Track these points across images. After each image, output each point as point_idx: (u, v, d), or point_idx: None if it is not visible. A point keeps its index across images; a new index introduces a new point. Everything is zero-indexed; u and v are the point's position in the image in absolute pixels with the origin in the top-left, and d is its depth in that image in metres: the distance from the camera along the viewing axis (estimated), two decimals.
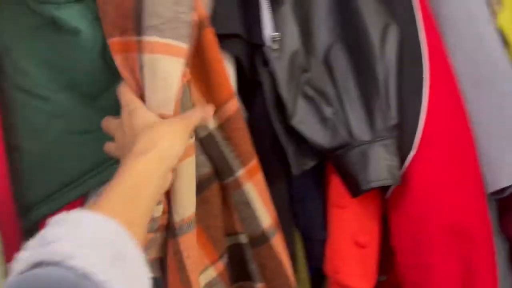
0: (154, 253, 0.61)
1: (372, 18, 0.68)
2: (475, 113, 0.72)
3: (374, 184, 0.65)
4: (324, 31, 0.72)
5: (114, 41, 0.53)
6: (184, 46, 0.54)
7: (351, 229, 0.74)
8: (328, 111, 0.68)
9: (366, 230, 0.74)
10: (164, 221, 0.58)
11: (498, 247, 0.79)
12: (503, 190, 0.75)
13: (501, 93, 0.70)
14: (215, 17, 0.66)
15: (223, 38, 0.65)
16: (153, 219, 0.56)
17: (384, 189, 0.72)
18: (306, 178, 0.76)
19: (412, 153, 0.69)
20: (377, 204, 0.74)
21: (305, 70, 0.70)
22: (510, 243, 0.78)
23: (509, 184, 0.69)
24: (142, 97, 0.54)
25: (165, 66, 0.53)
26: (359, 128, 0.67)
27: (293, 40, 0.69)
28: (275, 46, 0.67)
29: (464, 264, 0.69)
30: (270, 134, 0.69)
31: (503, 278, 0.80)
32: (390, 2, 0.71)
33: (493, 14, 0.90)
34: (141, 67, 0.52)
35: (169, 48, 0.53)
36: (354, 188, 0.67)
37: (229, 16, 0.67)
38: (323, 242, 0.77)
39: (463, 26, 0.72)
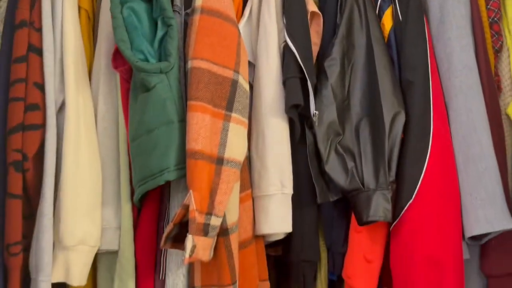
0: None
1: (387, 106, 0.99)
2: (462, 180, 0.98)
3: (371, 219, 0.95)
4: (358, 107, 1.03)
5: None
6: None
7: (363, 248, 1.04)
8: (350, 164, 1.00)
9: (373, 250, 1.04)
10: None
11: (478, 282, 1.04)
12: (481, 237, 1.00)
13: (483, 168, 0.96)
14: (287, 93, 1.01)
15: (292, 107, 1.01)
16: (214, 228, 0.87)
17: (390, 224, 1.01)
18: (335, 208, 1.08)
19: (410, 201, 0.98)
20: (383, 234, 1.04)
21: (339, 134, 1.02)
22: (488, 281, 1.02)
23: (477, 233, 0.94)
24: None
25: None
26: (368, 179, 0.97)
27: (331, 114, 1.02)
28: (315, 119, 1.01)
29: (436, 286, 0.96)
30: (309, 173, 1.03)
31: None
32: (409, 93, 1.01)
33: (505, 105, 1.14)
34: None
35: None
36: (359, 219, 0.97)
37: (295, 92, 1.02)
38: (343, 255, 1.08)
39: (463, 117, 1.00)
